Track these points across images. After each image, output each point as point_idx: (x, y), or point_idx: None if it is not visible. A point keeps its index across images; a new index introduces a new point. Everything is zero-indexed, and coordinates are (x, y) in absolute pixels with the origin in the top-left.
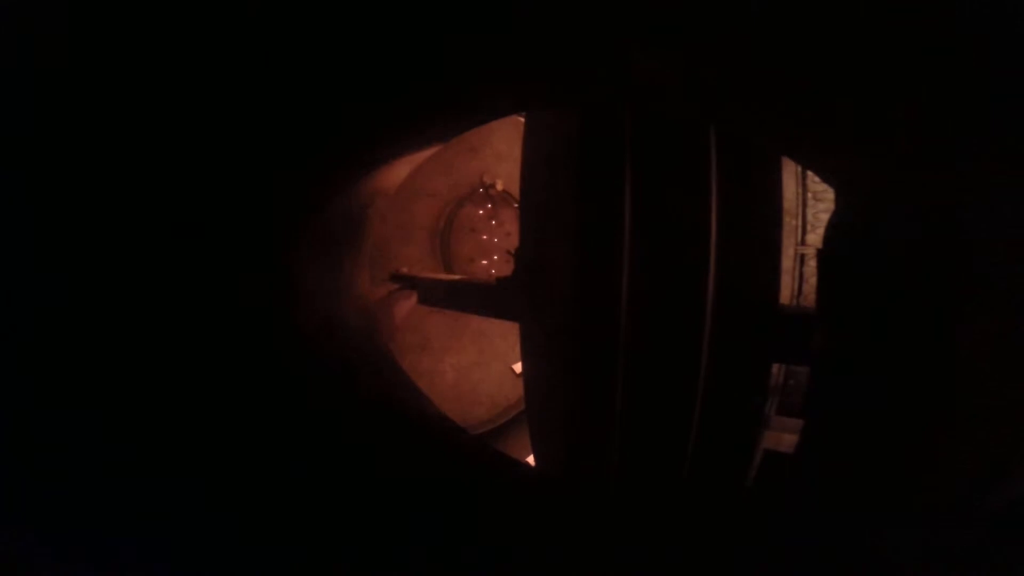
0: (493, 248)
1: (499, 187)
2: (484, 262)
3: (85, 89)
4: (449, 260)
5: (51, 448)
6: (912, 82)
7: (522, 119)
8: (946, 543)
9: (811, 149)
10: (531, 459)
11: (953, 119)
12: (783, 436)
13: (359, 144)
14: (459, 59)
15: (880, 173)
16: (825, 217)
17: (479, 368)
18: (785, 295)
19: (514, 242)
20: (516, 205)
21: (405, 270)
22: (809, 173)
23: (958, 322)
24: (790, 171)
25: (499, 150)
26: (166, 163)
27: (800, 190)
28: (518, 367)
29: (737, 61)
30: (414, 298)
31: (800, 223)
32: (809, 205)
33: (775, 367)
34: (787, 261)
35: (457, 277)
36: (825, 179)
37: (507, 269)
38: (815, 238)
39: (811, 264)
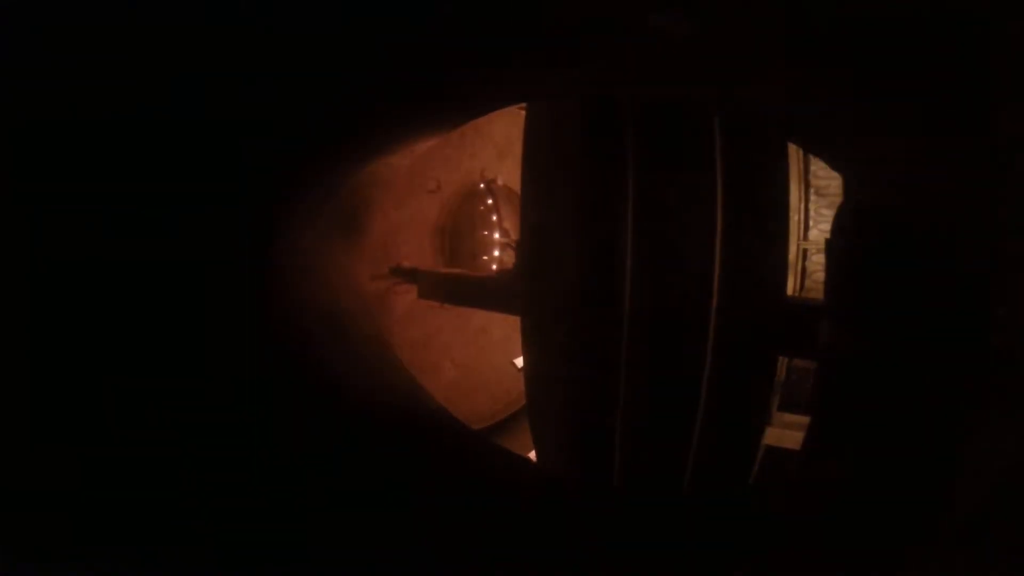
0: (495, 243)
1: (499, 182)
2: (485, 257)
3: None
4: (450, 255)
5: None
6: (934, 60)
7: (522, 113)
8: (967, 548)
9: (820, 134)
10: (533, 454)
11: (981, 94)
12: (785, 432)
13: (357, 133)
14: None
15: (900, 155)
16: (827, 213)
17: (480, 364)
18: (788, 291)
19: (515, 237)
20: (517, 200)
21: (406, 264)
22: (811, 169)
23: (994, 308)
24: (792, 167)
25: (500, 146)
26: (169, 158)
27: (802, 186)
28: (519, 361)
29: (752, 32)
30: (415, 292)
31: (802, 218)
32: (811, 201)
33: (778, 361)
34: (790, 256)
35: (457, 271)
36: (834, 167)
37: (508, 263)
38: (817, 234)
39: (814, 259)
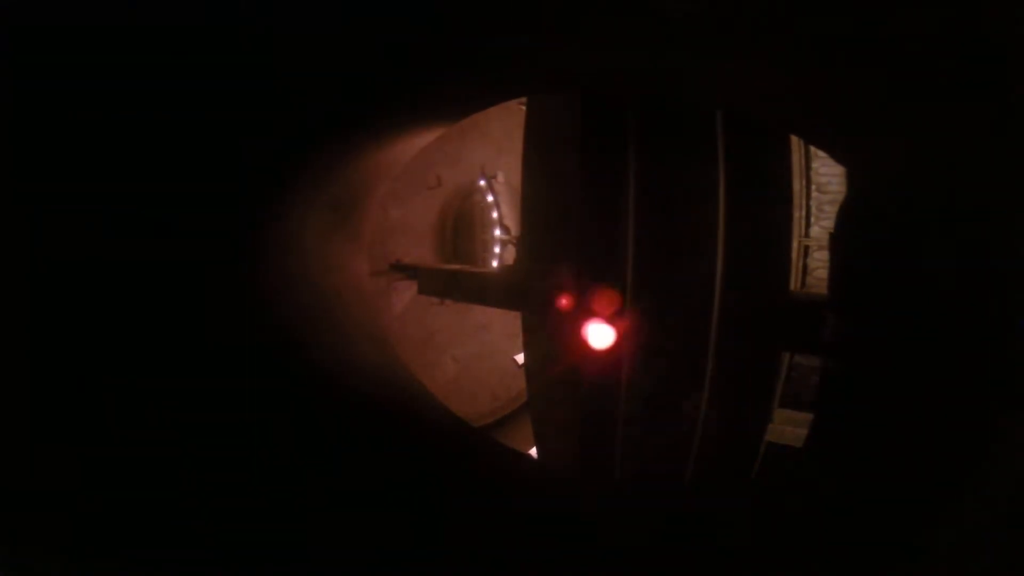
0: (495, 239)
1: (500, 178)
2: (485, 253)
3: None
4: (451, 251)
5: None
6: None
7: (522, 108)
8: (974, 553)
9: (826, 127)
10: (533, 451)
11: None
12: (786, 429)
13: (355, 126)
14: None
15: (907, 150)
16: (829, 209)
17: (481, 361)
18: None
19: (516, 233)
20: (518, 196)
21: (407, 260)
22: (813, 165)
23: (1003, 307)
24: (793, 163)
25: (500, 142)
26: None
27: (804, 182)
28: (520, 358)
29: (754, 16)
30: (415, 288)
31: (804, 215)
32: (813, 197)
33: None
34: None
35: (458, 267)
36: (839, 160)
37: (509, 260)
38: (819, 230)
39: (815, 256)
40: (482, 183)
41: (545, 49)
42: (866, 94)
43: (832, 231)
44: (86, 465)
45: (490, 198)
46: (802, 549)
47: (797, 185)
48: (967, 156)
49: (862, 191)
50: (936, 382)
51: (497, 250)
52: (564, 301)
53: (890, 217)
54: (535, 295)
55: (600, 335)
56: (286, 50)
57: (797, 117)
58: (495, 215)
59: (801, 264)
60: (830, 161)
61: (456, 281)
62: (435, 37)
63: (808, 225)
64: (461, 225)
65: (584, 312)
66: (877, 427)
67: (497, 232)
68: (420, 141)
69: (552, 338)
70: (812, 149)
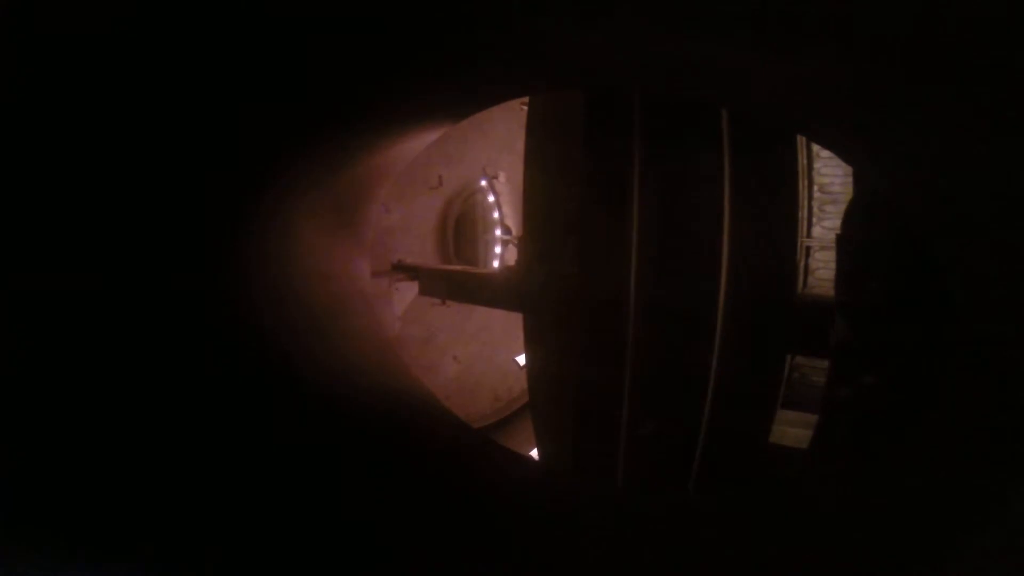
0: (497, 239)
1: (502, 178)
2: (487, 254)
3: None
4: (453, 252)
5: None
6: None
7: (524, 108)
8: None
9: (835, 128)
10: (535, 452)
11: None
12: (787, 430)
13: (355, 122)
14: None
15: (918, 150)
16: (831, 210)
17: (482, 361)
18: None
19: (517, 233)
20: (519, 196)
21: (408, 261)
22: (815, 166)
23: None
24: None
25: (502, 141)
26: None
27: (806, 182)
28: (522, 358)
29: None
30: (416, 289)
31: (806, 215)
32: (815, 198)
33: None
34: None
35: (460, 267)
36: (847, 160)
37: (510, 260)
38: (820, 231)
39: (817, 256)
40: (484, 183)
41: (552, 45)
42: (879, 91)
43: (838, 232)
44: (86, 465)
45: (492, 198)
46: (804, 554)
47: (799, 185)
48: (980, 156)
49: (870, 191)
50: (948, 386)
51: (498, 250)
52: (566, 300)
53: (899, 217)
54: (536, 296)
55: (600, 334)
56: (286, 46)
57: (805, 115)
58: (496, 215)
59: (803, 265)
60: (832, 161)
61: (457, 282)
62: (438, 34)
63: (810, 225)
64: (463, 225)
65: (586, 313)
66: (885, 431)
67: (499, 232)
68: (422, 141)
69: (554, 339)
70: (814, 149)
